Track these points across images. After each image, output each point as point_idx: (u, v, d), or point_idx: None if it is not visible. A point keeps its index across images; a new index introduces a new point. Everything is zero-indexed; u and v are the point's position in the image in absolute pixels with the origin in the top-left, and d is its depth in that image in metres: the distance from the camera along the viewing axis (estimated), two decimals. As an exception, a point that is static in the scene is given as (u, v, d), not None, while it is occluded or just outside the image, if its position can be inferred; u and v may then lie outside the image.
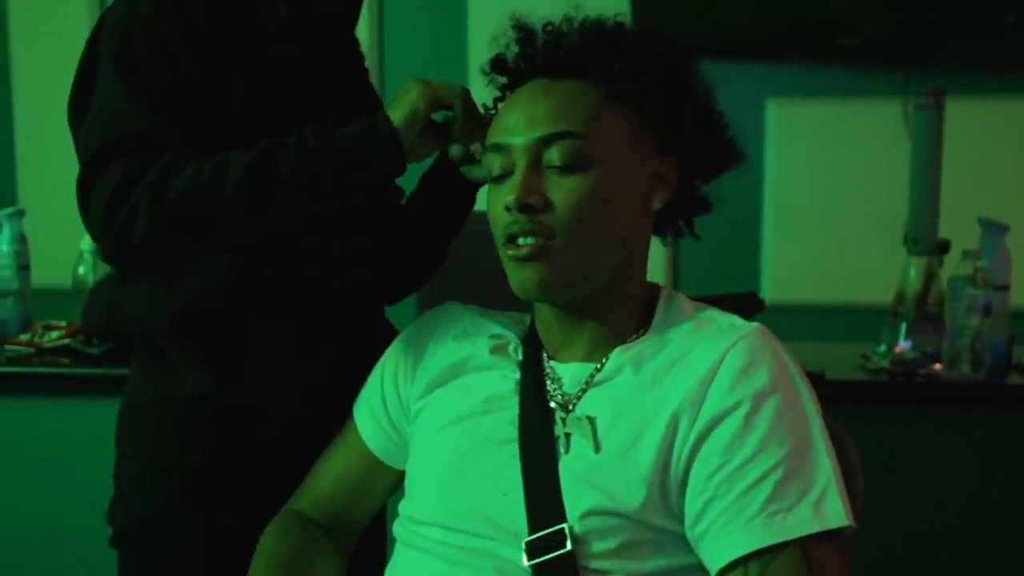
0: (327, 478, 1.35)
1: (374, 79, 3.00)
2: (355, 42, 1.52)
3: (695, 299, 1.99)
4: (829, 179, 3.02)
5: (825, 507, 1.04)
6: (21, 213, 2.25)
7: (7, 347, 2.09)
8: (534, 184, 1.14)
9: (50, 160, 3.18)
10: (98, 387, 1.95)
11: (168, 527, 1.40)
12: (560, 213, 1.13)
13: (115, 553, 1.46)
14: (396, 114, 1.26)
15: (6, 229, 2.24)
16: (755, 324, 1.17)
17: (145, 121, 1.27)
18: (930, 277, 2.05)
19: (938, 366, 1.91)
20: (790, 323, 2.97)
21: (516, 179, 1.14)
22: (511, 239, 1.15)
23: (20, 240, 2.24)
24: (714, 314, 1.20)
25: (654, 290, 1.24)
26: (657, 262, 3.11)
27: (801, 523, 1.04)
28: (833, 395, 1.84)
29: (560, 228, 1.13)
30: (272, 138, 1.25)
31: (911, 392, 1.86)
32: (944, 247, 2.06)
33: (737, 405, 1.08)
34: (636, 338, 1.19)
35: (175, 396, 1.38)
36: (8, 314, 2.22)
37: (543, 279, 1.14)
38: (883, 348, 2.01)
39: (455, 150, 1.32)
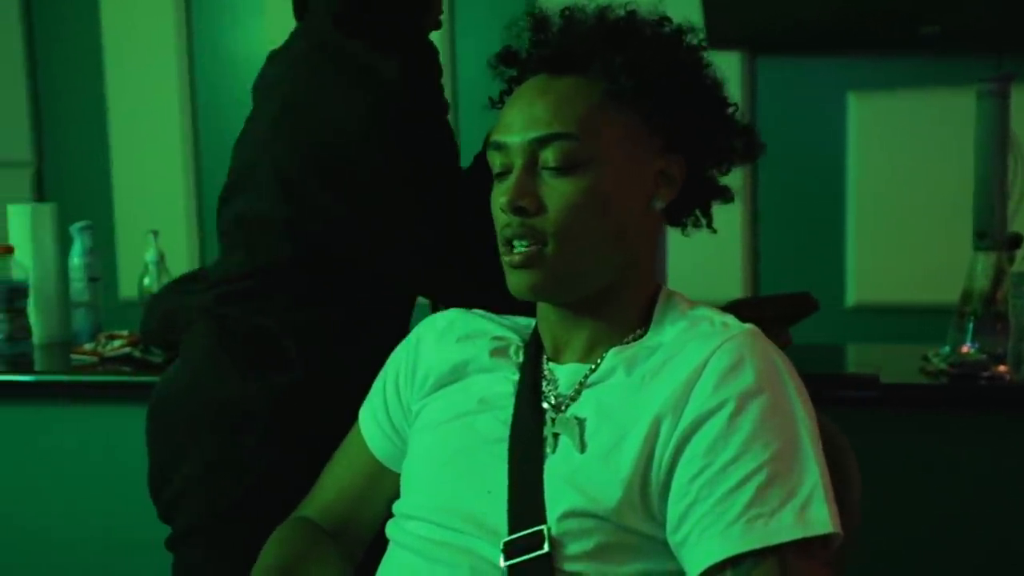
0: (332, 484, 1.35)
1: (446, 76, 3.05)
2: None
3: (746, 301, 1.96)
4: (915, 172, 2.89)
5: (810, 513, 1.00)
6: (91, 227, 2.33)
7: (72, 356, 2.17)
8: (528, 186, 1.12)
9: (143, 174, 3.35)
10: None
11: (241, 522, 1.44)
12: (552, 216, 1.11)
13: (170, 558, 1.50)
14: None
15: (77, 243, 2.32)
16: (748, 325, 1.12)
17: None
18: (1000, 274, 1.93)
19: (1003, 368, 1.80)
20: (878, 325, 2.91)
21: (511, 180, 1.13)
22: (507, 242, 1.14)
23: (90, 253, 2.32)
24: (709, 313, 1.16)
25: (656, 290, 1.20)
26: (735, 263, 3.07)
27: (783, 529, 0.99)
28: (886, 399, 1.78)
29: (551, 233, 1.11)
30: None
31: (969, 396, 1.76)
32: (1015, 241, 1.95)
33: (721, 405, 1.04)
34: (633, 339, 1.15)
35: (256, 395, 1.44)
36: (80, 325, 2.31)
37: (535, 284, 1.13)
38: (947, 349, 1.91)
39: None
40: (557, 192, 1.11)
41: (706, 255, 3.00)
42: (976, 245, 1.96)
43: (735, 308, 1.90)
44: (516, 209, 1.12)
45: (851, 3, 2.82)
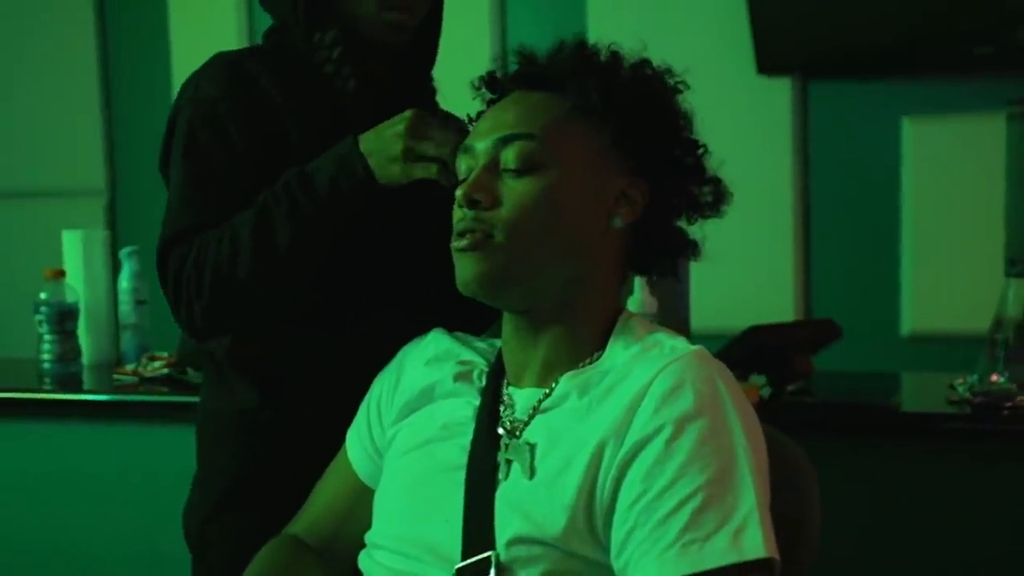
0: (319, 502, 1.37)
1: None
2: (429, 81, 1.57)
3: (767, 328, 1.93)
4: (971, 198, 2.81)
5: (744, 538, 0.98)
6: (138, 251, 2.41)
7: (115, 376, 2.25)
8: (485, 182, 1.14)
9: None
10: (195, 414, 2.08)
11: (220, 529, 1.49)
12: (505, 211, 1.13)
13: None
14: (374, 160, 1.30)
15: (126, 267, 2.41)
16: (695, 347, 1.11)
17: (197, 212, 1.38)
18: (1033, 302, 1.88)
19: (1030, 397, 1.74)
20: (935, 353, 2.83)
21: (471, 176, 1.16)
22: (458, 234, 1.16)
23: (138, 277, 2.40)
24: (662, 337, 1.15)
25: (617, 314, 1.21)
26: (787, 290, 3.02)
27: (716, 553, 0.98)
28: (906, 428, 1.74)
29: (501, 226, 1.13)
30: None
31: (988, 426, 1.70)
32: (1050, 268, 1.89)
33: (659, 430, 1.03)
34: (588, 363, 1.16)
35: (227, 410, 1.48)
36: (127, 346, 2.39)
37: (480, 272, 1.14)
38: (975, 378, 1.86)
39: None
40: (513, 191, 1.13)
41: (757, 282, 2.97)
42: (1008, 271, 1.91)
43: (756, 334, 1.89)
44: (470, 201, 1.13)
45: (904, 26, 2.78)
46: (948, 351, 2.82)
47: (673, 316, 1.97)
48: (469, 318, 1.47)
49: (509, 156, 1.14)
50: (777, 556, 0.99)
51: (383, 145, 1.30)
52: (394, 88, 1.50)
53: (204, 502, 1.51)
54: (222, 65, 1.43)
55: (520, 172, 1.13)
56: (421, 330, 1.37)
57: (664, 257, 1.24)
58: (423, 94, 1.54)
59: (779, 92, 3.00)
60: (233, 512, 1.48)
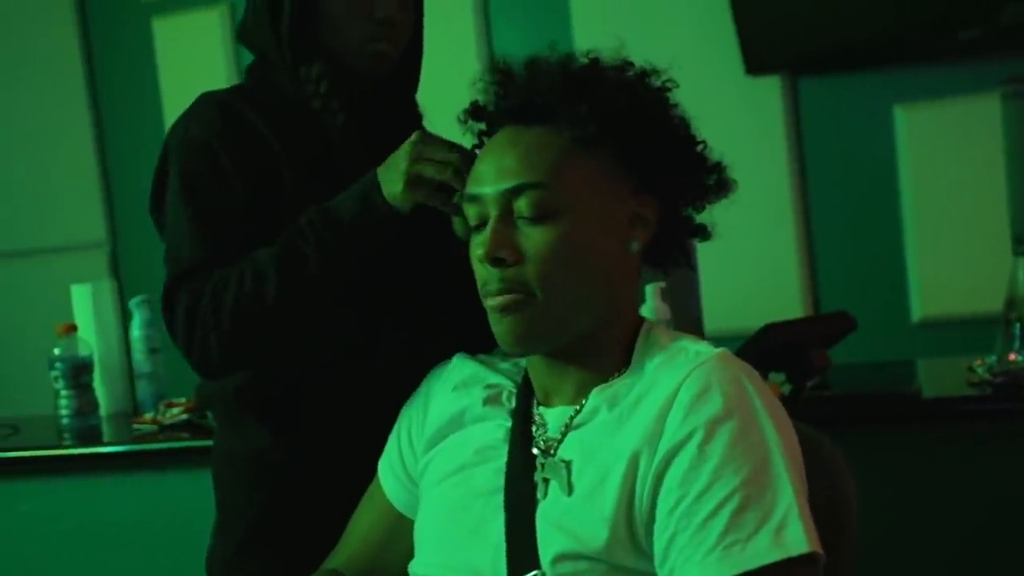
0: (356, 535, 1.37)
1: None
2: (414, 107, 1.57)
3: (780, 325, 1.93)
4: (970, 180, 2.82)
5: (786, 534, 0.99)
6: (148, 301, 2.42)
7: (134, 426, 2.25)
8: (505, 236, 1.13)
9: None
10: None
11: (244, 573, 1.48)
12: (533, 265, 1.12)
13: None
14: (388, 187, 1.30)
15: (136, 316, 2.41)
16: (719, 350, 1.12)
17: (205, 248, 1.37)
18: (1044, 279, 1.88)
19: (1050, 374, 1.75)
20: (947, 338, 2.84)
21: (487, 232, 1.15)
22: (488, 293, 1.15)
23: (149, 325, 2.41)
24: (686, 343, 1.15)
25: (639, 325, 1.21)
26: (792, 286, 3.03)
27: (760, 553, 0.98)
28: (928, 415, 1.75)
29: (535, 283, 1.12)
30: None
31: (1012, 405, 1.70)
32: (1057, 244, 1.90)
33: (691, 435, 1.04)
34: (616, 376, 1.16)
35: (241, 451, 1.47)
36: (143, 394, 2.40)
37: (521, 332, 1.14)
38: (993, 359, 1.86)
39: (458, 226, 1.30)
40: (534, 241, 1.12)
41: (760, 281, 2.98)
42: (1016, 250, 1.91)
43: (769, 332, 1.89)
44: (494, 261, 1.13)
45: (888, 16, 2.79)
46: (960, 334, 2.84)
47: (687, 321, 1.98)
48: (480, 338, 1.48)
49: (523, 207, 1.13)
50: (820, 550, 1.00)
51: (389, 172, 1.31)
52: (381, 116, 1.50)
53: (226, 546, 1.50)
54: (210, 105, 1.44)
55: (536, 221, 1.13)
56: (432, 355, 1.38)
57: (679, 250, 1.25)
58: (409, 120, 1.54)
59: (769, 91, 3.01)
60: (255, 554, 1.47)
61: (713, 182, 1.21)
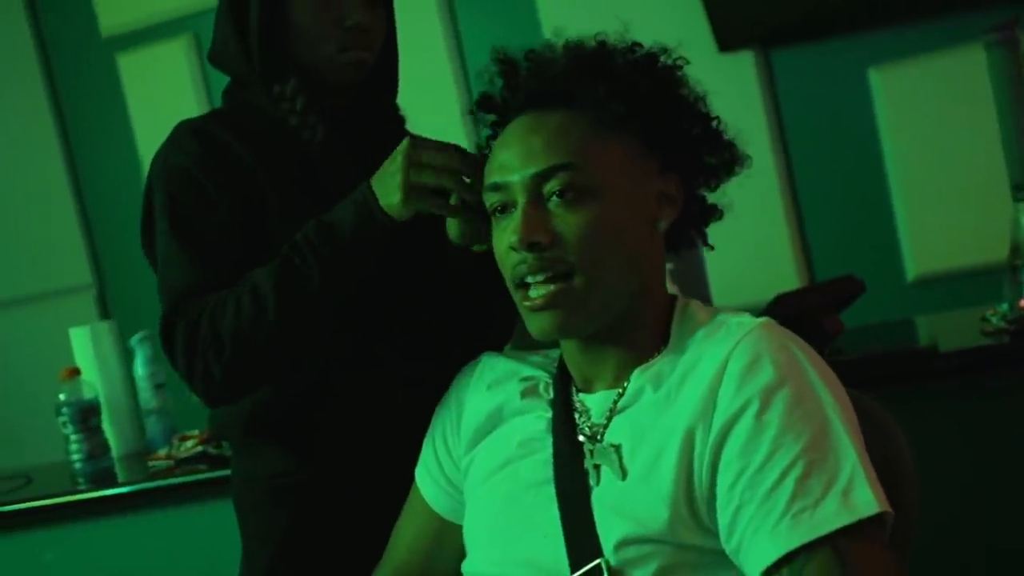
0: (401, 546, 1.36)
1: (461, 88, 3.09)
2: (396, 110, 1.55)
3: (790, 295, 1.94)
4: (951, 135, 2.84)
5: (854, 496, 0.98)
6: (149, 337, 2.39)
7: (149, 463, 2.22)
8: (538, 221, 1.12)
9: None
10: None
11: None
12: (572, 247, 1.11)
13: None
14: (386, 199, 1.27)
15: (139, 353, 2.39)
16: (761, 319, 1.12)
17: (196, 274, 1.35)
18: (1045, 221, 1.89)
19: (1064, 317, 1.76)
20: (944, 293, 2.85)
21: (518, 217, 1.13)
22: (522, 281, 1.14)
23: (153, 362, 2.39)
24: (725, 316, 1.15)
25: (674, 303, 1.21)
26: (786, 258, 3.03)
27: (829, 517, 0.98)
28: (949, 368, 1.75)
29: (577, 264, 1.11)
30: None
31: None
32: (1056, 187, 1.91)
33: (746, 406, 1.04)
34: (656, 356, 1.15)
35: (260, 477, 1.46)
36: (153, 431, 2.37)
37: (562, 323, 1.13)
38: (1004, 307, 1.87)
39: (453, 229, 1.30)
40: (569, 224, 1.11)
41: (754, 257, 2.98)
42: (1016, 196, 1.92)
43: (779, 303, 1.90)
44: (530, 245, 1.11)
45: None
46: (955, 288, 2.86)
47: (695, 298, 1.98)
48: (492, 336, 1.47)
49: (554, 189, 1.12)
50: (889, 508, 0.99)
51: (385, 183, 1.28)
52: (363, 125, 1.48)
53: (253, 572, 1.49)
54: (188, 133, 1.42)
55: (571, 203, 1.11)
56: (443, 363, 1.37)
57: (699, 230, 1.25)
58: (392, 126, 1.53)
59: (743, 67, 3.02)
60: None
61: (729, 157, 1.22)
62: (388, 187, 1.27)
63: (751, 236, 2.99)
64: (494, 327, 1.49)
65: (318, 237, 1.30)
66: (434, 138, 1.29)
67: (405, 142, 1.27)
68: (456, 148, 1.27)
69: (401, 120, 1.55)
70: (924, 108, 2.88)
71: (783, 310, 1.87)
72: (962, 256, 2.85)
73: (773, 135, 3.03)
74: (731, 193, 1.25)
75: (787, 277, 2.97)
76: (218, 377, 1.32)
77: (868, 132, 2.95)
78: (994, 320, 1.83)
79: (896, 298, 2.93)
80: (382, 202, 1.27)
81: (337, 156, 1.43)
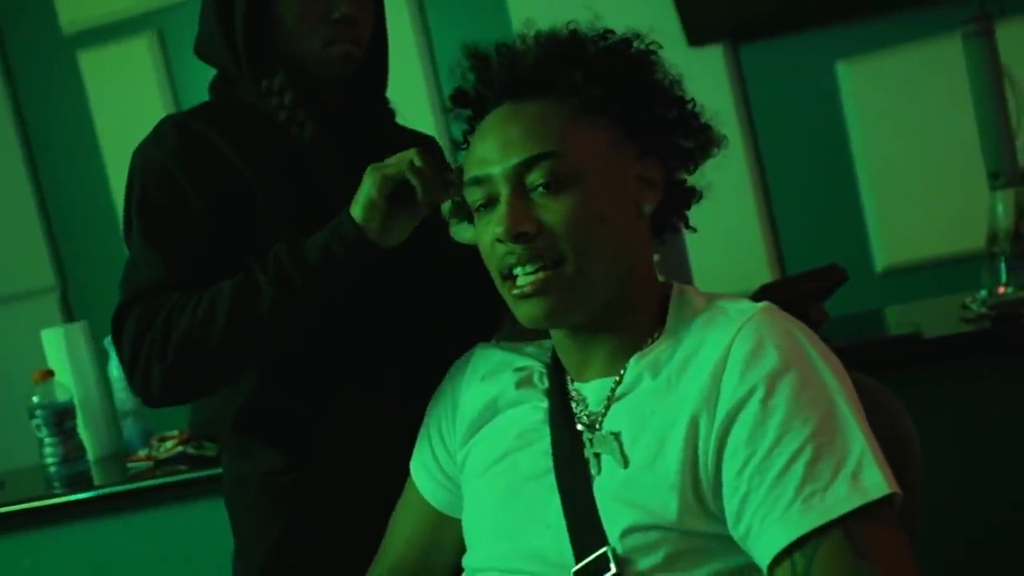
0: (398, 541, 1.36)
1: (431, 84, 3.08)
2: (386, 104, 1.54)
3: (774, 285, 1.95)
4: (919, 127, 2.88)
5: (863, 479, 0.98)
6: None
7: (128, 465, 2.19)
8: (523, 211, 1.12)
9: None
10: (218, 486, 2.03)
11: None
12: (560, 235, 1.11)
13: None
14: (356, 208, 1.26)
15: (113, 354, 2.35)
16: (761, 304, 1.12)
17: (158, 271, 1.33)
18: (1021, 208, 1.92)
19: (1043, 300, 1.78)
20: (913, 283, 2.89)
21: (502, 209, 1.12)
22: (509, 272, 1.14)
23: (128, 362, 2.35)
24: (724, 303, 1.16)
25: (666, 290, 1.21)
26: (758, 251, 3.05)
27: (840, 500, 0.98)
28: (934, 354, 1.77)
29: (567, 251, 1.11)
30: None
31: (1014, 335, 1.73)
32: (1030, 173, 1.94)
33: (751, 392, 1.04)
34: (651, 343, 1.15)
35: (252, 476, 1.44)
36: (130, 433, 2.34)
37: (551, 309, 1.13)
38: (984, 293, 1.89)
39: (445, 208, 1.29)
40: (554, 212, 1.11)
41: (726, 249, 3.00)
42: (992, 185, 1.94)
43: (764, 293, 1.91)
44: (517, 236, 1.11)
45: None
46: (924, 279, 2.90)
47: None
48: (481, 333, 1.47)
49: (537, 178, 1.11)
50: (899, 490, 1.00)
51: (360, 201, 1.26)
52: (353, 119, 1.47)
53: (247, 572, 1.47)
54: (170, 127, 1.40)
55: (553, 191, 1.11)
56: (432, 359, 1.36)
57: (680, 214, 1.25)
58: (382, 121, 1.52)
59: (712, 61, 3.04)
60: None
61: (705, 139, 1.22)
62: (358, 197, 1.26)
63: (722, 228, 3.01)
64: (486, 329, 1.49)
65: (287, 256, 1.28)
66: None
67: (369, 168, 1.27)
68: (420, 148, 1.26)
69: (391, 113, 1.54)
70: (891, 100, 2.92)
71: (771, 298, 1.88)
72: (931, 246, 2.89)
73: (743, 128, 3.05)
74: (703, 191, 1.25)
75: (759, 269, 2.99)
76: (156, 377, 1.29)
77: (836, 125, 2.98)
78: (974, 307, 1.86)
79: (866, 289, 2.96)
80: (355, 212, 1.26)
81: (327, 151, 1.42)
